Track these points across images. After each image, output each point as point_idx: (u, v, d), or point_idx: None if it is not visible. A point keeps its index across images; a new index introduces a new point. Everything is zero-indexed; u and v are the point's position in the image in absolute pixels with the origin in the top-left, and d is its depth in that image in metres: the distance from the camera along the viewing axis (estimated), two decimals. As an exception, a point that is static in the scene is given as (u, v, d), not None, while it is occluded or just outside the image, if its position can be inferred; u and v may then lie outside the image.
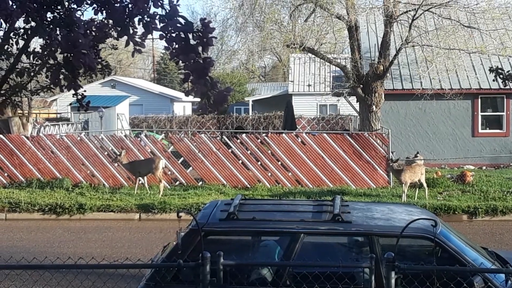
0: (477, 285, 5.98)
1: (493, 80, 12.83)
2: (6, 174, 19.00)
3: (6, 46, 5.20)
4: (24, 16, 4.53)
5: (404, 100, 23.26)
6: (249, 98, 48.20)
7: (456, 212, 15.20)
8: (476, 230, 13.93)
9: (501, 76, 11.50)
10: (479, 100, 23.20)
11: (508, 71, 11.71)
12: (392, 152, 17.71)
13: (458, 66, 22.73)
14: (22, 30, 5.06)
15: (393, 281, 4.85)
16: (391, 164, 16.56)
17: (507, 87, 12.77)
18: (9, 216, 15.73)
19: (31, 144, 19.08)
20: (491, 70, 11.63)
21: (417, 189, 16.87)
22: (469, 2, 21.94)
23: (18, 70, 5.33)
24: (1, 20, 4.53)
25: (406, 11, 20.75)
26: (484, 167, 22.92)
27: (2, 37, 5.14)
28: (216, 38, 4.29)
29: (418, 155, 19.64)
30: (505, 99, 23.11)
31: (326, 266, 5.91)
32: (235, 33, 24.20)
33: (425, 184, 16.72)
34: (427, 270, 5.56)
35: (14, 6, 4.29)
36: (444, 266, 5.81)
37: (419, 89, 22.48)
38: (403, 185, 16.23)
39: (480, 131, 23.30)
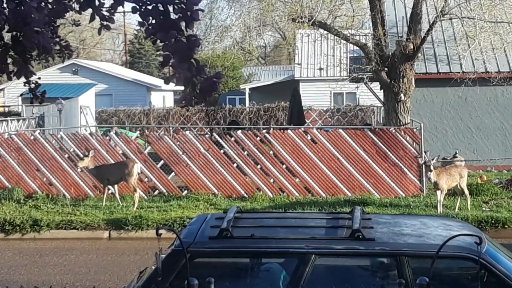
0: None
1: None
2: None
3: None
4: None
5: (440, 87, 23.26)
6: (245, 85, 48.27)
7: (506, 226, 15.23)
8: (531, 249, 13.95)
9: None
10: (534, 85, 23.22)
11: None
12: (425, 152, 17.71)
13: (508, 43, 22.72)
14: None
15: (427, 312, 4.87)
16: (427, 173, 16.40)
17: None
18: None
19: (-27, 145, 19.10)
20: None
21: (458, 197, 16.88)
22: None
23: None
24: None
25: (442, -25, 20.76)
26: (540, 170, 22.96)
27: None
28: (203, 11, 4.30)
29: (457, 155, 19.65)
30: None
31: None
32: (227, 4, 24.27)
33: (466, 191, 16.73)
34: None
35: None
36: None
37: (459, 72, 22.48)
38: (439, 192, 16.22)
39: (535, 124, 23.34)
